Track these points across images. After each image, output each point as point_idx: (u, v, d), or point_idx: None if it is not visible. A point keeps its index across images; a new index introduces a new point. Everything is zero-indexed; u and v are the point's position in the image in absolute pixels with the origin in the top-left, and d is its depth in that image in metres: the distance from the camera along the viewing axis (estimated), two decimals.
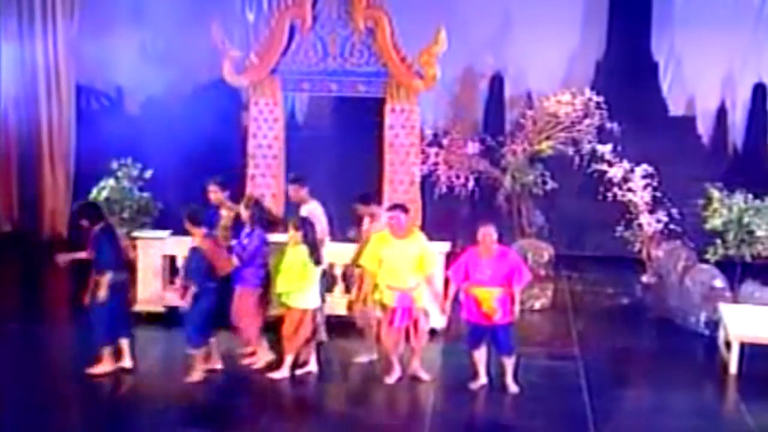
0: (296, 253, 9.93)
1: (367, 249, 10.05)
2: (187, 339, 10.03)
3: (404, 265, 9.81)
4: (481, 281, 9.69)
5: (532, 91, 15.05)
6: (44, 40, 15.05)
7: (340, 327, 11.05)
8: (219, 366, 10.18)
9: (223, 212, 10.94)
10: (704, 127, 15.24)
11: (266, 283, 10.35)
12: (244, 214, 10.49)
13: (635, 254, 13.69)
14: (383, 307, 9.97)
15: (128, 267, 10.38)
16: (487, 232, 9.70)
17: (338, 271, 11.64)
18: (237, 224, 10.61)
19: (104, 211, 10.38)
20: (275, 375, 10.12)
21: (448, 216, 14.06)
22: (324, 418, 9.51)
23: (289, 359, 10.13)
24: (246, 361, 10.34)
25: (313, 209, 10.98)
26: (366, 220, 10.76)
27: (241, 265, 10.21)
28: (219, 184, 11.04)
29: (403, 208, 10.11)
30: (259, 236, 10.35)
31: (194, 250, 9.92)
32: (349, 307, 10.77)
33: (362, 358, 10.68)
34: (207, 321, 9.97)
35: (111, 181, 12.40)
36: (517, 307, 9.76)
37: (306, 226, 10.08)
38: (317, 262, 10.01)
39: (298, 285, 9.93)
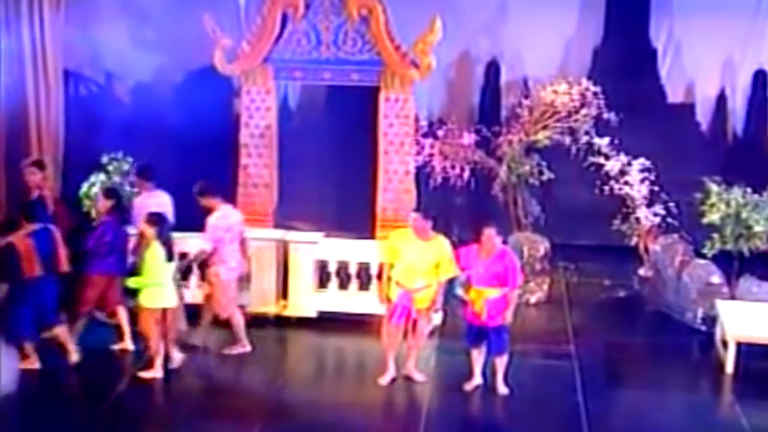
0: (149, 250, 10.07)
1: (387, 243, 10.29)
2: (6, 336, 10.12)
3: (418, 267, 9.97)
4: (475, 281, 9.88)
5: (529, 77, 15.17)
6: (30, 25, 14.96)
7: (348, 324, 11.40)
8: (37, 366, 10.23)
9: (46, 192, 11.14)
10: (703, 115, 15.35)
11: (118, 273, 10.62)
12: (100, 204, 10.86)
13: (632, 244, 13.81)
14: (388, 301, 10.13)
15: None
16: (490, 234, 9.82)
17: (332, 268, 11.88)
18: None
19: None
20: (144, 374, 10.24)
21: (444, 207, 14.13)
22: (314, 421, 9.60)
23: (158, 359, 10.26)
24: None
25: (163, 202, 11.34)
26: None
27: (89, 254, 10.57)
28: (36, 165, 11.20)
29: (427, 214, 10.19)
30: (104, 226, 10.66)
31: (9, 246, 9.96)
32: None
33: (234, 350, 11.04)
34: (23, 319, 10.05)
35: (101, 176, 12.43)
36: (509, 312, 9.88)
37: (160, 222, 10.26)
38: (170, 258, 10.19)
39: (146, 282, 10.07)
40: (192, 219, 13.07)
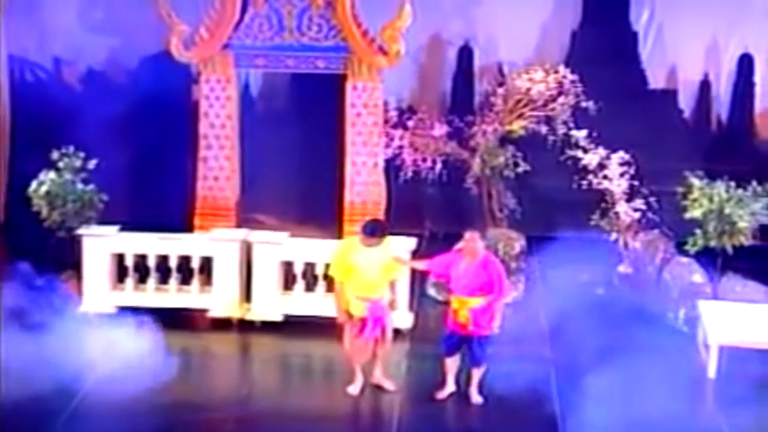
0: None
1: (335, 258, 10.30)
2: None
3: (375, 274, 10.09)
4: (457, 289, 10.06)
5: (504, 62, 15.39)
6: None
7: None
8: None
9: None
10: (686, 101, 15.62)
11: None
12: None
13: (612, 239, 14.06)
14: (350, 316, 10.25)
15: None
16: (471, 238, 10.02)
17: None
18: None
19: None
20: None
21: (415, 201, 14.39)
22: None
23: None
24: None
25: None
26: None
27: None
28: None
29: (386, 232, 10.24)
30: None
31: None
32: None
33: None
34: None
35: (51, 174, 12.47)
36: (497, 322, 10.09)
37: None
38: None
39: None
40: (147, 215, 13.34)
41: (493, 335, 10.22)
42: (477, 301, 9.98)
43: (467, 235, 10.05)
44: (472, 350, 10.20)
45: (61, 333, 11.33)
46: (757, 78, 15.55)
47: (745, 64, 15.48)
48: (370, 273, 10.06)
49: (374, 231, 10.08)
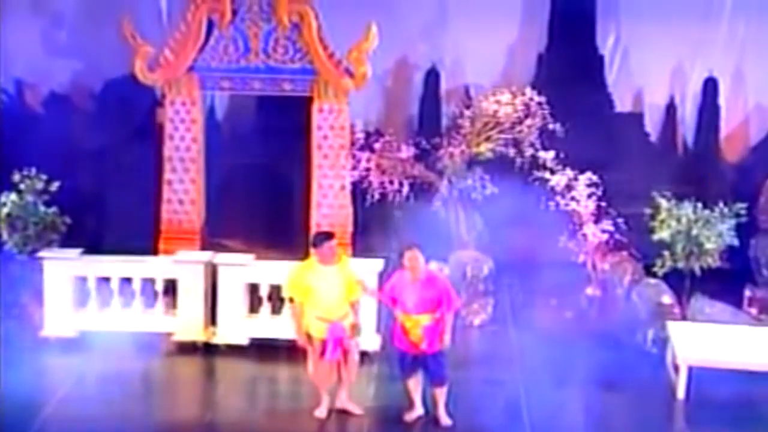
0: None
1: (292, 278, 10.17)
2: None
3: (334, 295, 9.99)
4: (406, 308, 9.97)
5: (470, 85, 15.44)
6: None
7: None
8: None
9: None
10: (652, 124, 15.72)
11: None
12: None
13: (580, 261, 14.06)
14: (310, 338, 10.14)
15: None
16: (413, 256, 9.93)
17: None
18: None
19: None
20: None
21: (382, 224, 14.31)
22: None
23: None
24: None
25: None
26: None
27: None
28: None
29: (333, 235, 10.25)
30: None
31: None
32: None
33: None
34: None
35: (12, 196, 12.37)
36: (447, 336, 10.00)
37: None
38: None
39: None
40: (112, 238, 13.23)
41: (446, 350, 10.11)
42: (428, 318, 9.91)
43: (407, 253, 9.95)
44: (428, 369, 10.10)
45: (21, 357, 11.23)
46: (722, 101, 15.63)
47: (710, 87, 15.57)
48: (329, 294, 9.97)
49: (325, 236, 10.11)
